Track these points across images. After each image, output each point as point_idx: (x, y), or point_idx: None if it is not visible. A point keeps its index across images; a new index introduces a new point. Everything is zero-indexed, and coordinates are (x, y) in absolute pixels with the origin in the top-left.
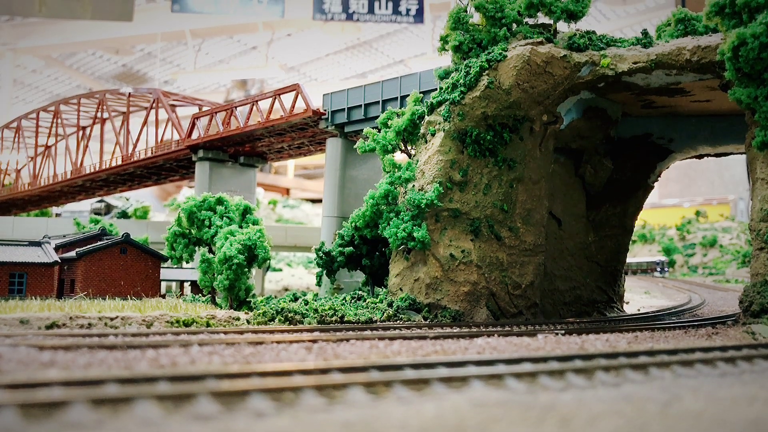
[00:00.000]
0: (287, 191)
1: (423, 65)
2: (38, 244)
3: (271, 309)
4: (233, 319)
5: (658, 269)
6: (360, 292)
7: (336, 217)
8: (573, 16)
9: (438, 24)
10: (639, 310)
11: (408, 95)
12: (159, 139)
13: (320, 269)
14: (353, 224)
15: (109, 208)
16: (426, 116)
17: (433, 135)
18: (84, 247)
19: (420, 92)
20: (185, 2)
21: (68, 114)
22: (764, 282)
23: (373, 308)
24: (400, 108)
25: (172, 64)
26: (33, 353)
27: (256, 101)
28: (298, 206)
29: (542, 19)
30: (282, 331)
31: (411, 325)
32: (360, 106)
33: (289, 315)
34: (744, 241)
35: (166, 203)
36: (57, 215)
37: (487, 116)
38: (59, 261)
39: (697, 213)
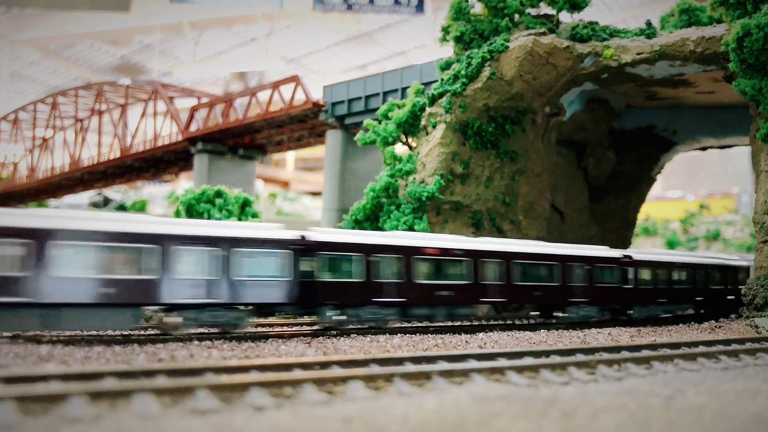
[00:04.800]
0: (287, 184)
1: (424, 56)
2: None
3: None
4: None
5: None
6: None
7: (336, 210)
8: (576, 7)
9: (439, 15)
10: None
11: (409, 87)
12: (157, 132)
13: None
14: (353, 217)
15: (107, 200)
16: (427, 108)
17: (434, 127)
18: None
19: (421, 84)
20: None
21: (66, 106)
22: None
23: None
24: (401, 100)
25: (170, 56)
26: (30, 346)
27: (255, 93)
28: (297, 199)
29: (545, 9)
30: (282, 325)
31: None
32: (360, 98)
33: None
34: (747, 234)
35: (165, 196)
36: (55, 208)
37: (488, 108)
38: None
39: (701, 206)
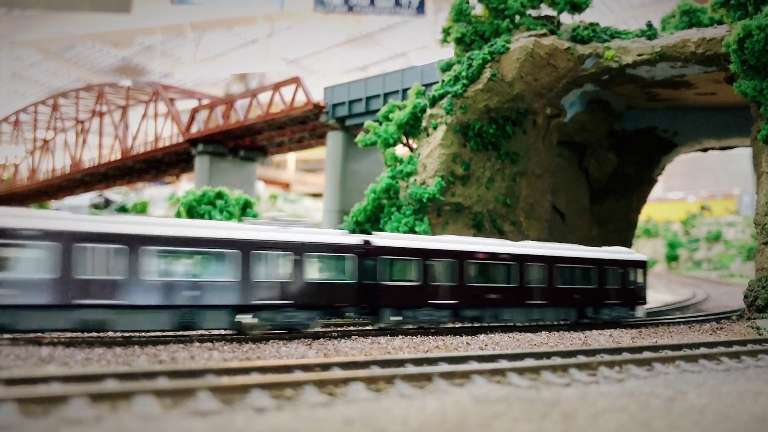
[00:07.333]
0: (288, 185)
1: (425, 58)
2: None
3: None
4: None
5: None
6: None
7: (337, 212)
8: (576, 8)
9: (440, 16)
10: None
11: (410, 88)
12: (158, 133)
13: None
14: (354, 219)
15: (108, 202)
16: (428, 109)
17: (435, 128)
18: None
19: (422, 85)
20: None
21: (67, 107)
22: None
23: None
24: (402, 101)
25: (171, 57)
26: (31, 348)
27: (256, 94)
28: (298, 200)
29: (545, 10)
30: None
31: None
32: (361, 99)
33: None
34: (749, 236)
35: (166, 197)
36: (56, 210)
37: (489, 109)
38: None
39: (702, 207)
